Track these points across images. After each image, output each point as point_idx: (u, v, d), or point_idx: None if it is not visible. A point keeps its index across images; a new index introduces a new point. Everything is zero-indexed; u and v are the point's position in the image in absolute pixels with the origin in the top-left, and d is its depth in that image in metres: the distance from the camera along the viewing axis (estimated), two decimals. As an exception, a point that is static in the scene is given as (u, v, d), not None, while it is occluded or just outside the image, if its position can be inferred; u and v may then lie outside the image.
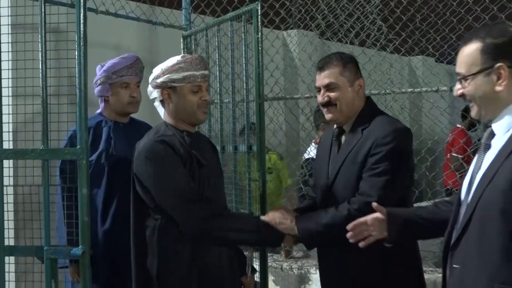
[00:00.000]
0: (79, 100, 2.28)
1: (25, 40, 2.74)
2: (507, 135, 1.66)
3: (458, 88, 1.76)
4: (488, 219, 1.61)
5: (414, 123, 5.22)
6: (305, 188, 3.72)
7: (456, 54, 1.78)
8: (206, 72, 2.37)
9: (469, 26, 3.80)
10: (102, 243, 2.78)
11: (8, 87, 2.59)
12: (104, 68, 2.88)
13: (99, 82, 2.89)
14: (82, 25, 2.27)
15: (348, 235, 2.09)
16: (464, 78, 1.73)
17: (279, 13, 4.58)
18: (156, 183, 2.24)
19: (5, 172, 2.43)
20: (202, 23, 3.91)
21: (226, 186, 2.94)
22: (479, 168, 1.71)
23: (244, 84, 3.11)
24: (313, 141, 4.80)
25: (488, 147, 1.72)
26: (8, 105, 2.76)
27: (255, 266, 2.83)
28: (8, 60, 2.65)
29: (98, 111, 2.98)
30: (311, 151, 4.56)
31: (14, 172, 3.06)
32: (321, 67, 2.39)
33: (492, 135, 1.72)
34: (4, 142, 2.37)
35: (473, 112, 1.76)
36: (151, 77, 2.39)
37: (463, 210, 1.73)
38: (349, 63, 2.38)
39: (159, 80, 2.34)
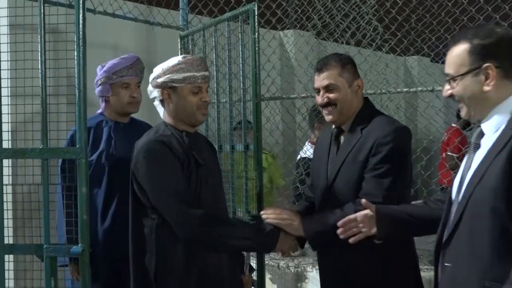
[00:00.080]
0: (78, 100, 2.29)
1: (25, 41, 2.75)
2: (496, 135, 1.68)
3: (447, 89, 1.79)
4: (478, 217, 1.63)
5: (409, 123, 5.22)
6: (302, 187, 3.73)
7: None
8: (206, 73, 2.38)
9: (464, 26, 3.82)
10: (102, 243, 2.79)
11: (8, 87, 2.60)
12: (105, 68, 2.89)
13: (99, 82, 2.91)
14: (81, 26, 2.28)
15: (339, 231, 2.10)
16: (453, 78, 1.76)
17: (275, 14, 4.62)
18: (151, 182, 2.25)
19: (5, 171, 2.44)
20: (199, 23, 3.94)
21: (223, 185, 2.96)
22: (469, 167, 1.73)
23: (241, 84, 3.11)
24: (308, 140, 4.82)
25: (477, 146, 1.74)
26: (8, 105, 2.77)
27: (252, 264, 2.85)
28: (8, 61, 2.66)
29: (99, 111, 3.00)
30: (307, 150, 4.59)
31: (13, 171, 3.07)
32: (319, 69, 2.39)
33: (481, 134, 1.74)
34: (3, 142, 2.38)
35: (463, 113, 1.79)
36: (151, 77, 2.39)
37: (454, 208, 1.75)
38: (348, 64, 2.39)
39: (159, 80, 2.35)
